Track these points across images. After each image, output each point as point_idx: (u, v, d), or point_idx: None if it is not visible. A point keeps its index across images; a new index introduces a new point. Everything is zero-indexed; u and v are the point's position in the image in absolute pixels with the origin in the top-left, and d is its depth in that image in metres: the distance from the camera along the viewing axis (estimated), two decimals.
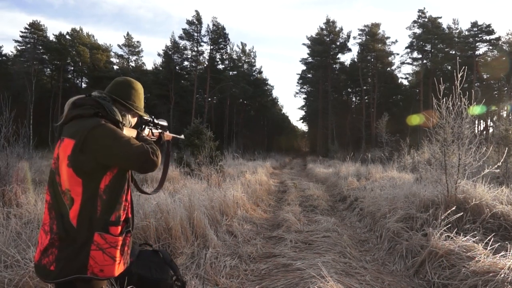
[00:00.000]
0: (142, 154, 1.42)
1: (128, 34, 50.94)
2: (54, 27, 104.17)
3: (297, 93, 52.48)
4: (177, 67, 39.68)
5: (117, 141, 1.42)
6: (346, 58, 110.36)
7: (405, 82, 45.25)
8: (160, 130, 1.88)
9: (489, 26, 36.18)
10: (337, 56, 44.27)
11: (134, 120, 1.72)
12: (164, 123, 1.92)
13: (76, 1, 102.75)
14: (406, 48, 40.07)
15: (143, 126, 1.78)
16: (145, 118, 1.77)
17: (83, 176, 1.40)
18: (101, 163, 1.42)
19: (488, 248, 3.20)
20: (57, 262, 1.38)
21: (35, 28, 37.59)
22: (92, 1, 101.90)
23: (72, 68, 42.21)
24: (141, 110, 1.69)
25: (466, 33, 37.73)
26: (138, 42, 44.90)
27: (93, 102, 1.52)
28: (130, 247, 1.59)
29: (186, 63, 40.73)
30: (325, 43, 42.41)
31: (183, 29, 38.90)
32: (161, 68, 40.69)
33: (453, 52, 37.63)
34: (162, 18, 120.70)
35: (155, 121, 1.85)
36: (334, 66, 44.40)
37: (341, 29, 42.77)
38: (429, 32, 37.43)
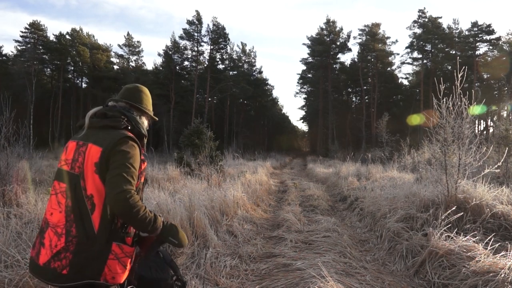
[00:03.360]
0: (122, 194, 1.36)
1: (128, 34, 51.07)
2: (56, 28, 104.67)
3: (297, 93, 52.62)
4: (177, 67, 39.69)
5: (124, 162, 1.43)
6: (346, 58, 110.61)
7: (405, 82, 45.40)
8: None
9: (489, 26, 36.19)
10: (337, 56, 44.32)
11: (146, 122, 1.78)
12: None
13: (78, 1, 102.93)
14: (407, 48, 40.10)
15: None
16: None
17: None
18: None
19: (488, 248, 3.20)
20: (71, 267, 1.38)
21: (35, 28, 37.55)
22: (94, 2, 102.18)
23: (72, 68, 42.16)
24: (151, 112, 1.79)
25: (466, 33, 37.74)
26: (138, 42, 45.04)
27: (121, 114, 1.60)
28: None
29: (186, 63, 40.79)
30: (325, 43, 42.37)
31: (183, 29, 38.96)
32: (161, 68, 40.67)
33: (453, 52, 37.64)
34: (164, 19, 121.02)
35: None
36: (334, 66, 44.38)
37: (341, 29, 42.79)
38: (429, 32, 37.41)
